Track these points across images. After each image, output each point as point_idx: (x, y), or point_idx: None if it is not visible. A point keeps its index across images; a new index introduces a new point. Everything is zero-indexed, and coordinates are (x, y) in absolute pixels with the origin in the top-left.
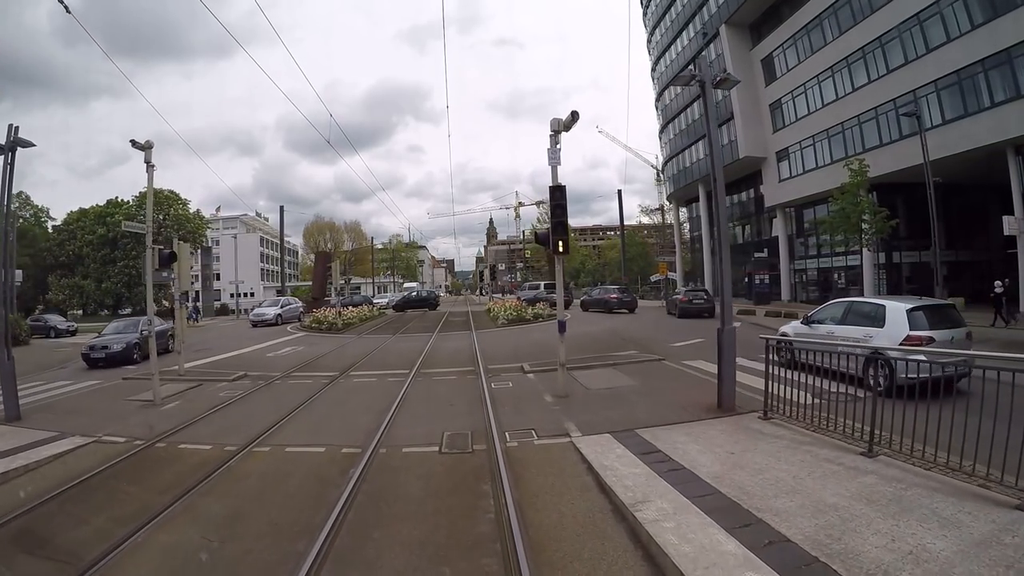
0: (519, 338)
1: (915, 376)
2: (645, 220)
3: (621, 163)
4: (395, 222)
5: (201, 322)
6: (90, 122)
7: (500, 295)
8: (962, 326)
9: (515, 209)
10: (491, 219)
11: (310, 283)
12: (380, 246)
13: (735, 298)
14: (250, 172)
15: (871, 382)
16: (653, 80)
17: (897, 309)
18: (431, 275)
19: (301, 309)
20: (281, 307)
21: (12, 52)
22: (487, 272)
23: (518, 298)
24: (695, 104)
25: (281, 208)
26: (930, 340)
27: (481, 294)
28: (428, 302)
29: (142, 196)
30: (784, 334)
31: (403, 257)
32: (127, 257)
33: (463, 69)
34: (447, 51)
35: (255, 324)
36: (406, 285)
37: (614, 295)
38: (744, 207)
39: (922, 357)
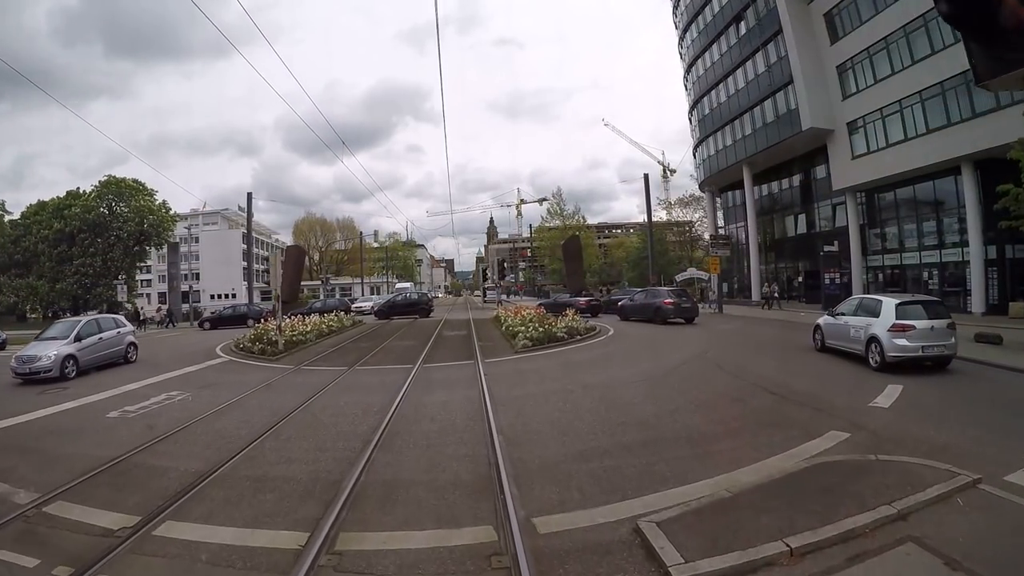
0: (566, 382)
1: (898, 355)
2: (662, 214)
3: (621, 163)
4: (394, 222)
5: (178, 328)
6: (89, 122)
7: (505, 296)
8: (945, 318)
9: (517, 207)
10: (491, 218)
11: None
12: (376, 245)
13: (790, 300)
14: (249, 172)
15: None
16: (680, 54)
17: (889, 303)
18: (430, 275)
19: (131, 339)
20: (77, 340)
21: (11, 52)
22: (493, 269)
23: (499, 302)
24: (748, 64)
25: (249, 195)
26: (912, 327)
27: (484, 296)
28: (418, 307)
29: (102, 185)
30: (818, 325)
31: (400, 256)
32: (84, 254)
33: (462, 69)
34: (447, 51)
35: (21, 378)
36: (398, 286)
37: (669, 300)
38: (802, 191)
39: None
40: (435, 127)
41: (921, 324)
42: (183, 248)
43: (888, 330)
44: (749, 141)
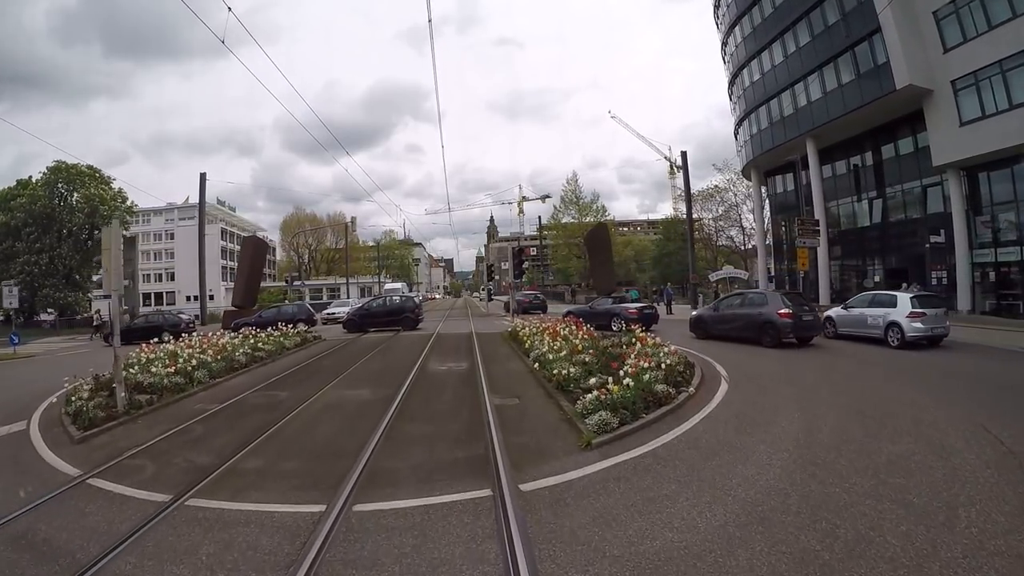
0: None
1: (916, 335)
2: (669, 211)
3: (621, 163)
4: (393, 222)
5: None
6: (88, 122)
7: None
8: (941, 307)
9: (518, 204)
10: (491, 217)
11: (283, 284)
12: (370, 241)
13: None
14: (249, 172)
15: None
16: (717, 21)
17: (904, 297)
18: (428, 275)
19: None
20: None
21: (10, 52)
22: (508, 265)
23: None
24: (813, 14)
25: (202, 176)
26: (924, 314)
27: (490, 299)
28: (402, 316)
29: (51, 171)
30: (829, 317)
31: (396, 255)
32: (30, 251)
33: (462, 69)
34: (447, 51)
35: None
36: (387, 287)
37: (785, 310)
38: (880, 170)
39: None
40: (435, 127)
41: (929, 311)
42: (160, 245)
43: (906, 317)
44: (817, 108)
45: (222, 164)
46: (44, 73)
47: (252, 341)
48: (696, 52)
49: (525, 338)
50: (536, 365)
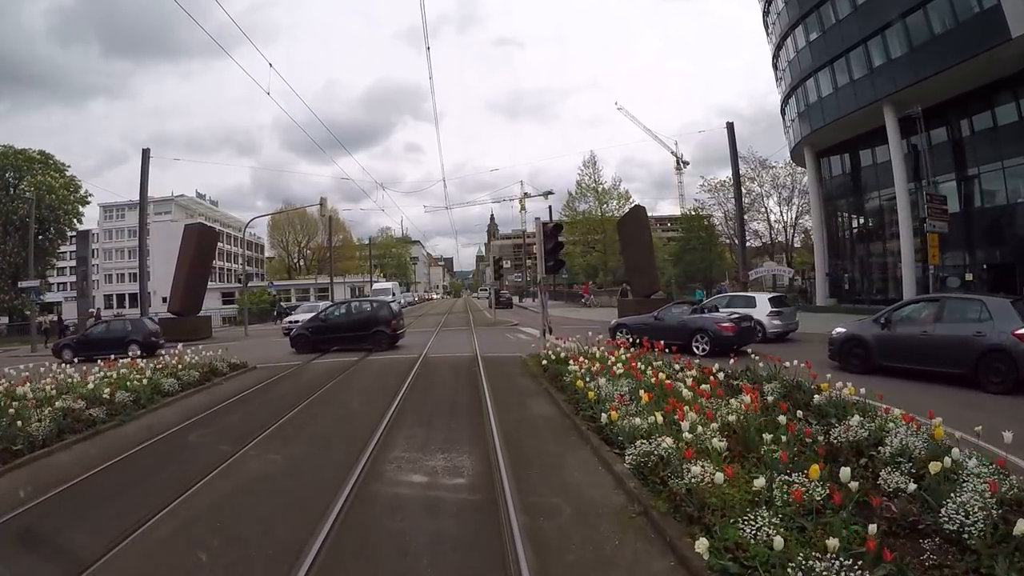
0: None
1: (776, 331)
2: (706, 198)
3: (621, 162)
4: (394, 222)
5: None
6: (88, 122)
7: (517, 299)
8: (791, 306)
9: (520, 201)
10: (492, 215)
11: (272, 283)
12: (366, 241)
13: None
14: (248, 172)
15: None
16: None
17: (763, 297)
18: (427, 274)
19: None
20: None
21: (10, 53)
22: (536, 256)
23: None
24: None
25: (145, 152)
26: (780, 312)
27: (497, 303)
28: (370, 330)
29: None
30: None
31: (394, 253)
32: None
33: (462, 69)
34: (446, 51)
35: None
36: (376, 286)
37: None
38: (963, 147)
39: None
40: (434, 126)
41: (785, 310)
42: (133, 242)
43: (767, 315)
44: (899, 68)
45: (221, 164)
46: (43, 73)
47: (91, 384)
48: (696, 52)
49: (585, 391)
50: (653, 496)
